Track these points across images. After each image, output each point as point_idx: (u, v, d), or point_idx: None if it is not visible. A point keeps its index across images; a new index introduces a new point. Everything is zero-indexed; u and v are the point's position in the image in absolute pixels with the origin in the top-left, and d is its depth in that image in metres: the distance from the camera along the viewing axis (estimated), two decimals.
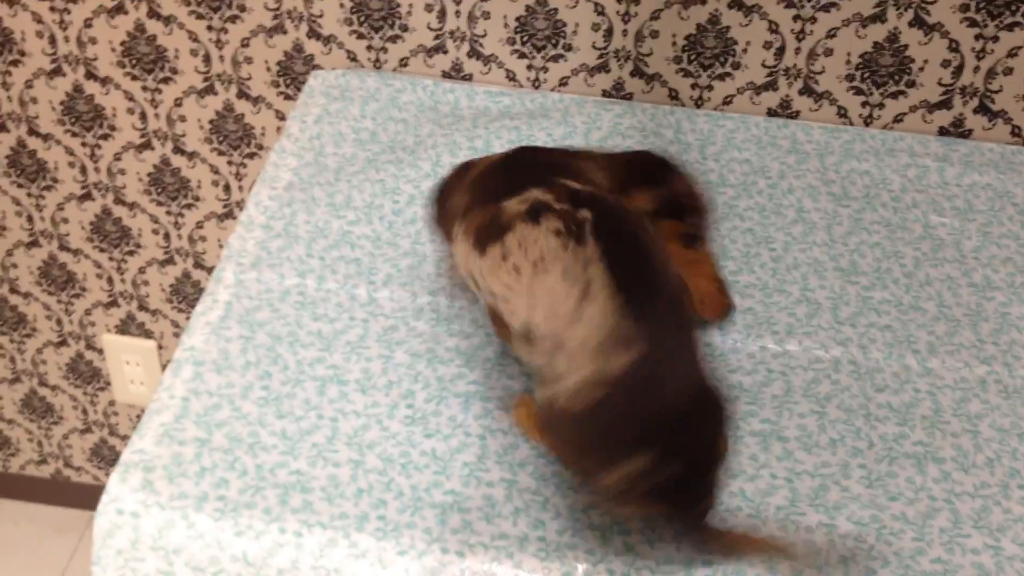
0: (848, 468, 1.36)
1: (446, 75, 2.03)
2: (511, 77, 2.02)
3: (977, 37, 1.86)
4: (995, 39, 1.86)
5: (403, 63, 2.03)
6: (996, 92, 1.90)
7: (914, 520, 1.30)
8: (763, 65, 1.94)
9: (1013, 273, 1.65)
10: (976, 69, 1.89)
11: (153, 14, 2.02)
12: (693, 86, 1.98)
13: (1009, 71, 1.88)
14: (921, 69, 1.90)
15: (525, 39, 1.97)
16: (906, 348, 1.52)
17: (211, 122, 2.15)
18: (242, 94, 2.10)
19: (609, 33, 1.94)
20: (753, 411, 1.43)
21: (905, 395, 1.45)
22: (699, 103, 2.01)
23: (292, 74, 2.06)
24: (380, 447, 1.36)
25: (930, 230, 1.73)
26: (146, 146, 2.20)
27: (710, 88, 1.98)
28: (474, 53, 2.00)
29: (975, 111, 1.92)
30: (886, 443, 1.39)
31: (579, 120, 1.91)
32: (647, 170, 1.53)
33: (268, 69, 2.06)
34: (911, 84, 1.92)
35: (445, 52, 2.01)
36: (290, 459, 1.33)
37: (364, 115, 1.90)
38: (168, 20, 2.02)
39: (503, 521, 1.29)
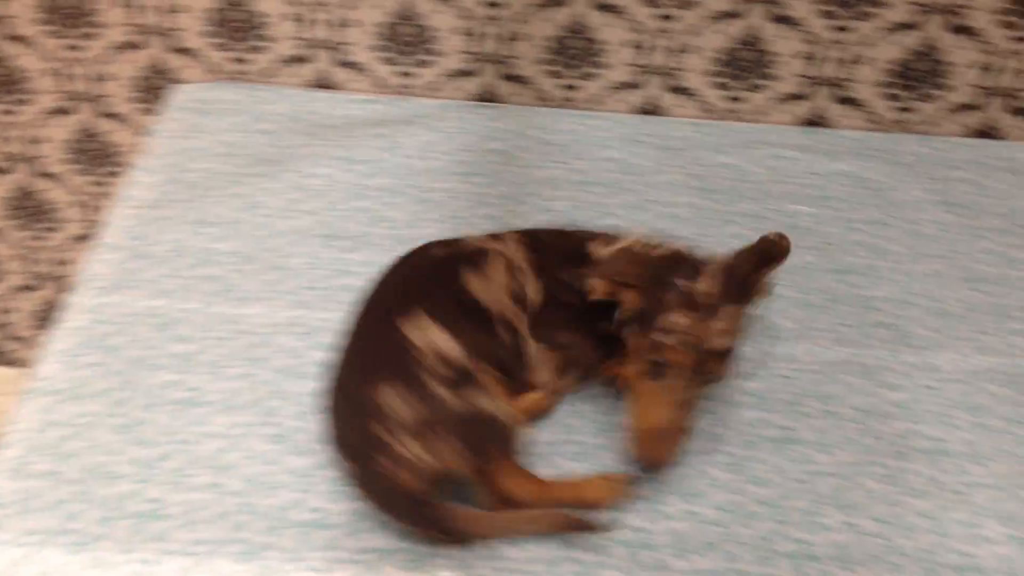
0: (713, 455, 1.38)
1: (312, 84, 2.02)
2: (379, 84, 2.01)
3: (834, 28, 1.90)
4: (847, 29, 1.90)
5: (267, 74, 2.00)
6: (851, 81, 1.94)
7: (775, 502, 1.33)
8: (628, 64, 1.96)
9: (869, 256, 1.69)
10: (831, 60, 1.93)
11: (6, 36, 1.97)
12: (561, 87, 1.99)
13: (861, 60, 1.93)
14: (781, 62, 1.94)
15: (391, 46, 1.96)
16: (767, 335, 1.55)
17: (70, 142, 2.10)
18: (102, 112, 2.05)
19: (476, 37, 1.94)
20: None
21: (766, 381, 1.48)
22: (567, 103, 2.02)
23: (154, 89, 2.02)
24: (241, 469, 1.34)
25: (791, 219, 1.76)
26: (3, 170, 2.14)
27: (577, 88, 1.99)
28: (340, 61, 1.99)
29: (832, 101, 1.96)
30: (749, 429, 1.42)
31: (449, 125, 1.91)
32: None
33: (128, 86, 2.02)
34: (771, 77, 1.95)
35: (310, 61, 1.99)
36: (145, 487, 1.30)
37: (228, 128, 1.88)
38: (22, 40, 1.97)
39: (369, 536, 1.27)
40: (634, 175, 1.84)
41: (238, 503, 1.30)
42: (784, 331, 1.55)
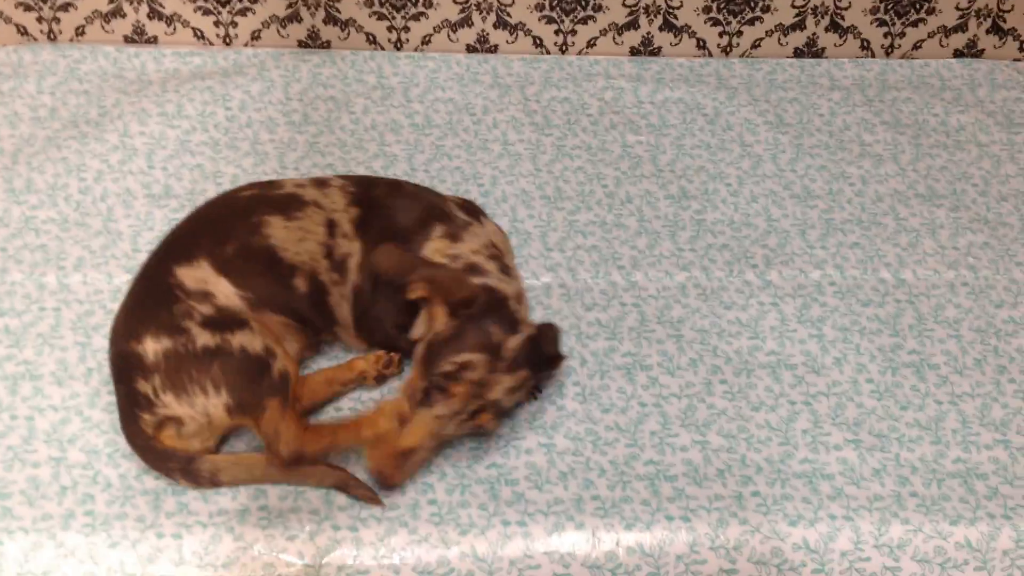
0: (563, 387, 1.39)
1: (129, 40, 1.93)
2: (199, 35, 1.94)
3: None
4: None
5: (79, 32, 1.91)
6: (678, 8, 1.96)
7: (626, 427, 1.35)
8: (455, 2, 1.93)
9: (706, 181, 1.72)
10: None
11: None
12: (390, 28, 1.96)
13: None
14: None
15: None
16: (611, 265, 1.56)
17: None
18: None
19: None
20: None
21: (613, 310, 1.50)
22: (398, 45, 1.98)
23: None
24: (83, 439, 1.29)
25: (628, 149, 1.78)
26: None
27: (407, 29, 1.96)
28: (155, 14, 1.90)
29: (661, 29, 1.98)
30: (598, 359, 1.43)
31: (276, 74, 1.86)
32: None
33: None
34: (598, 8, 1.96)
35: (123, 16, 1.90)
36: None
37: (41, 91, 1.78)
38: None
39: (221, 497, 1.25)
40: (471, 115, 1.83)
41: (83, 475, 1.25)
42: (627, 260, 1.57)
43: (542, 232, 1.61)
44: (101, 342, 1.39)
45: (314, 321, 1.35)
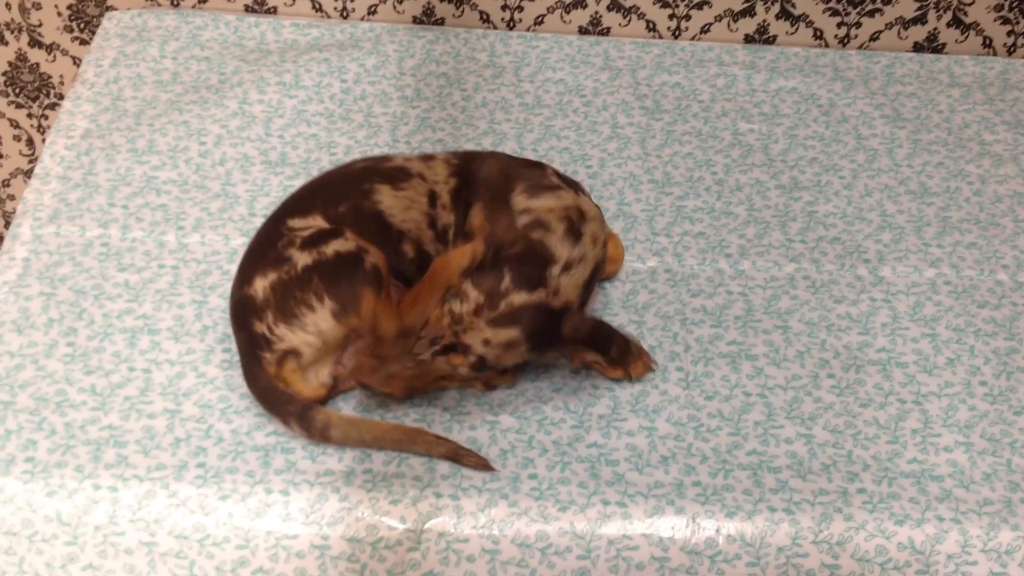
0: (667, 372, 1.39)
1: (249, 9, 1.96)
2: (317, 8, 1.97)
3: None
4: None
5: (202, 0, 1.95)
6: None
7: (730, 416, 1.34)
8: None
9: (819, 172, 1.70)
10: None
11: None
12: (504, 7, 1.96)
13: None
14: None
15: None
16: (719, 253, 1.55)
17: (4, 74, 2.03)
18: (34, 42, 1.99)
19: None
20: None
21: (719, 298, 1.49)
22: (511, 25, 1.99)
23: (86, 17, 1.96)
24: (197, 394, 1.32)
25: (739, 137, 1.76)
26: None
27: (521, 9, 1.97)
28: None
29: (777, 17, 1.96)
30: (702, 345, 1.43)
31: (391, 48, 1.88)
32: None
33: (59, 14, 1.95)
34: None
35: None
36: (101, 415, 1.28)
37: (164, 55, 1.82)
38: None
39: (328, 458, 1.27)
40: (580, 96, 1.83)
41: (196, 428, 1.28)
42: (735, 248, 1.56)
43: (649, 216, 1.61)
44: (217, 301, 1.42)
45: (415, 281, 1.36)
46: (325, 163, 1.64)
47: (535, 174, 1.38)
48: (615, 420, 1.33)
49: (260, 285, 1.28)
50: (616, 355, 1.31)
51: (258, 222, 1.52)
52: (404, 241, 1.36)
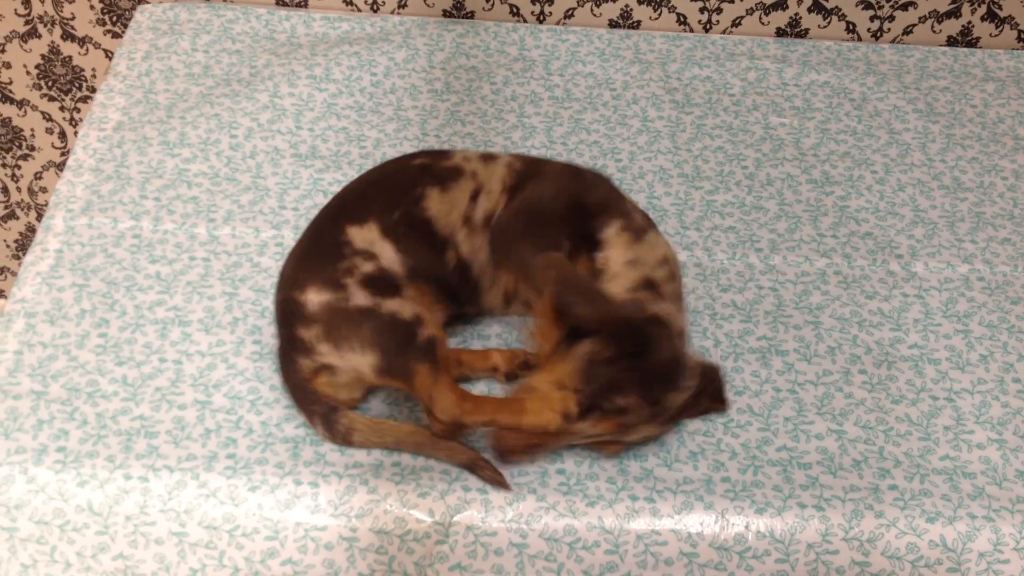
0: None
1: (280, 2, 1.97)
2: (348, 1, 1.97)
3: None
4: None
5: None
6: None
7: (760, 411, 1.34)
8: None
9: (851, 167, 1.68)
10: None
11: None
12: (533, 1, 1.96)
13: None
14: None
15: None
16: (749, 247, 1.54)
17: (37, 67, 2.04)
18: (67, 35, 2.00)
19: None
20: None
21: (749, 293, 1.48)
22: (541, 18, 1.98)
23: (118, 10, 1.97)
24: (227, 385, 1.33)
25: (770, 131, 1.75)
26: None
27: (551, 2, 1.96)
28: None
29: (810, 10, 1.94)
30: (732, 341, 1.42)
31: (421, 42, 1.88)
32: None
33: (92, 7, 1.96)
34: None
35: None
36: (132, 405, 1.29)
37: (195, 48, 1.83)
38: None
39: (357, 451, 1.27)
40: (611, 90, 1.82)
41: (226, 420, 1.29)
42: (767, 243, 1.55)
43: (679, 210, 1.60)
44: (247, 293, 1.43)
45: (460, 297, 1.37)
46: (355, 156, 1.65)
47: (620, 206, 1.38)
48: None
49: (314, 298, 1.27)
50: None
51: (288, 215, 1.53)
52: (448, 249, 1.35)
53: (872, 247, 1.55)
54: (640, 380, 1.22)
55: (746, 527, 1.22)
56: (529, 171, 1.41)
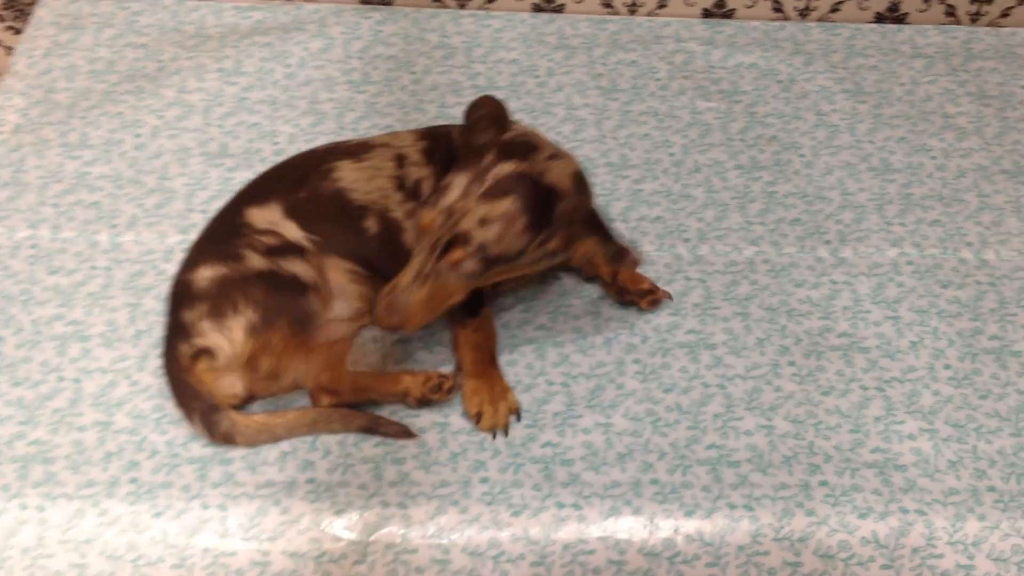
0: (623, 365, 1.34)
1: None
2: None
3: None
4: None
5: None
6: None
7: (688, 409, 1.30)
8: None
9: (778, 151, 1.64)
10: None
11: None
12: None
13: None
14: None
15: None
16: (677, 238, 1.50)
17: None
18: None
19: None
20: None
21: (677, 285, 1.44)
22: (463, 3, 1.92)
23: (19, 5, 1.88)
24: (130, 404, 1.26)
25: (697, 116, 1.70)
26: None
27: None
28: None
29: None
30: (660, 335, 1.38)
31: (337, 30, 1.81)
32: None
33: None
34: None
35: None
36: (28, 429, 1.22)
37: (99, 43, 1.75)
38: None
39: (270, 468, 1.21)
40: (535, 77, 1.77)
41: (129, 441, 1.23)
42: (693, 232, 1.51)
43: (606, 201, 1.55)
44: (152, 304, 1.36)
45: (384, 267, 1.30)
46: (267, 153, 1.58)
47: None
48: (570, 417, 1.28)
49: (205, 275, 1.23)
50: (613, 252, 1.22)
51: (196, 218, 1.46)
52: (367, 216, 1.30)
53: (801, 233, 1.51)
54: (472, 153, 1.19)
55: (675, 531, 1.19)
56: (430, 131, 1.38)
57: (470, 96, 1.71)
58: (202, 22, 1.82)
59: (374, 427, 1.23)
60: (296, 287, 1.22)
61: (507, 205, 1.15)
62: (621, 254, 1.23)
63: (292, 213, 1.29)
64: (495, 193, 1.15)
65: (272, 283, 1.22)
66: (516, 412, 1.27)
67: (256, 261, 1.23)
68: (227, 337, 1.21)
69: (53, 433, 1.22)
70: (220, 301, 1.21)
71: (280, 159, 1.54)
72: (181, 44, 1.76)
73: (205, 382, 1.21)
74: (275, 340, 1.21)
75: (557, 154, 1.23)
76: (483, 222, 1.15)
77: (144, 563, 1.14)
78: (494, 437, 1.26)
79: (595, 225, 1.23)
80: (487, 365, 1.30)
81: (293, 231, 1.28)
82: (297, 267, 1.24)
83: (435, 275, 1.17)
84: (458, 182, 1.17)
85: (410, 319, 1.17)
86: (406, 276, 1.17)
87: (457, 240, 1.15)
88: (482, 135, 1.22)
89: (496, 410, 1.26)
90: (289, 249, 1.26)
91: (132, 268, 1.41)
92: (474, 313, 1.30)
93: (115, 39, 1.76)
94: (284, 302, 1.21)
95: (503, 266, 1.19)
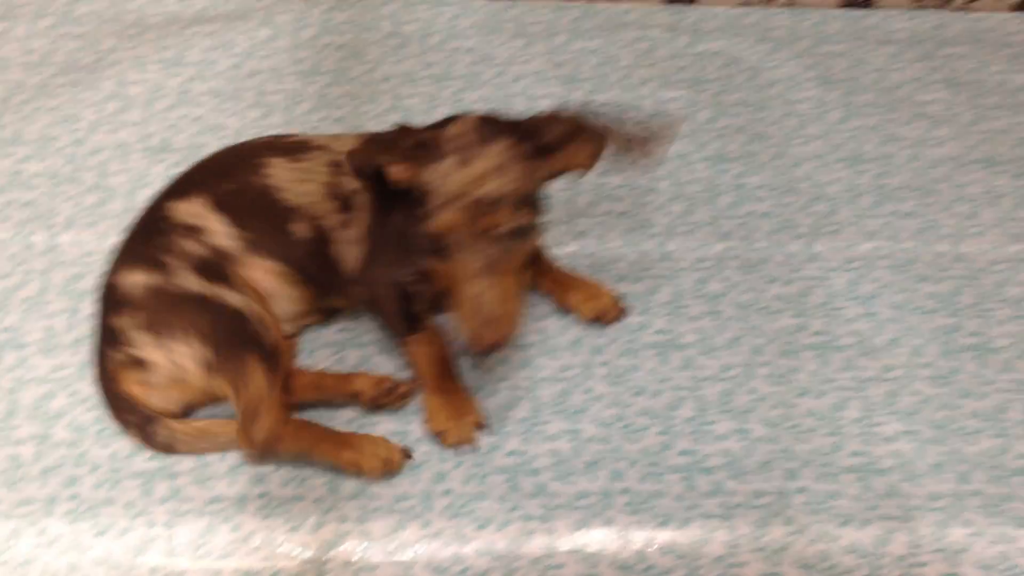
0: (591, 368, 1.28)
1: None
2: None
3: None
4: None
5: None
6: None
7: (659, 413, 1.24)
8: None
9: (746, 142, 1.59)
10: None
11: None
12: None
13: None
14: None
15: None
16: (643, 234, 1.44)
17: None
18: None
19: None
20: None
21: (645, 283, 1.38)
22: None
23: None
24: (69, 416, 1.19)
25: (662, 105, 1.65)
26: None
27: None
28: None
29: None
30: (628, 336, 1.32)
31: (284, 19, 1.73)
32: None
33: None
34: None
35: None
36: None
37: (33, 34, 1.66)
38: None
39: (219, 483, 1.14)
40: (493, 66, 1.70)
41: (68, 455, 1.15)
42: (660, 227, 1.45)
43: (568, 196, 1.49)
44: (91, 308, 1.28)
45: (313, 274, 1.24)
46: (212, 148, 1.48)
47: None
48: (536, 424, 1.22)
49: (135, 281, 1.15)
50: (624, 143, 1.14)
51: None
52: (295, 219, 1.23)
53: (772, 227, 1.46)
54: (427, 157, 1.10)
55: (648, 543, 1.13)
56: (374, 135, 1.27)
57: (425, 86, 1.64)
58: (142, 11, 1.73)
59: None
60: (248, 323, 1.14)
61: (496, 148, 1.08)
62: (632, 144, 1.14)
63: (220, 206, 1.21)
64: (479, 146, 1.08)
65: (221, 319, 1.13)
66: (481, 425, 1.21)
67: (190, 281, 1.15)
68: (170, 360, 1.13)
69: None
70: (159, 316, 1.13)
71: None
72: (120, 34, 1.68)
73: (134, 394, 1.14)
74: (255, 386, 1.12)
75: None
76: (489, 176, 1.07)
77: None
78: (462, 453, 1.20)
79: (589, 127, 1.14)
80: (446, 379, 1.22)
81: (220, 227, 1.19)
82: (236, 298, 1.15)
83: (497, 259, 1.08)
84: (443, 171, 1.08)
85: (510, 319, 1.07)
86: (475, 283, 1.07)
87: (486, 209, 1.07)
88: (425, 131, 1.14)
89: (461, 425, 1.19)
90: (221, 272, 1.17)
91: (70, 271, 1.33)
92: (415, 328, 1.23)
93: (51, 29, 1.67)
94: (242, 346, 1.13)
95: (535, 205, 1.12)
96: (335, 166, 1.25)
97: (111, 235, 1.37)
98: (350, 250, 1.23)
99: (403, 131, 1.15)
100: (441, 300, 1.20)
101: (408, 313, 1.22)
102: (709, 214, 1.47)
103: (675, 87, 1.68)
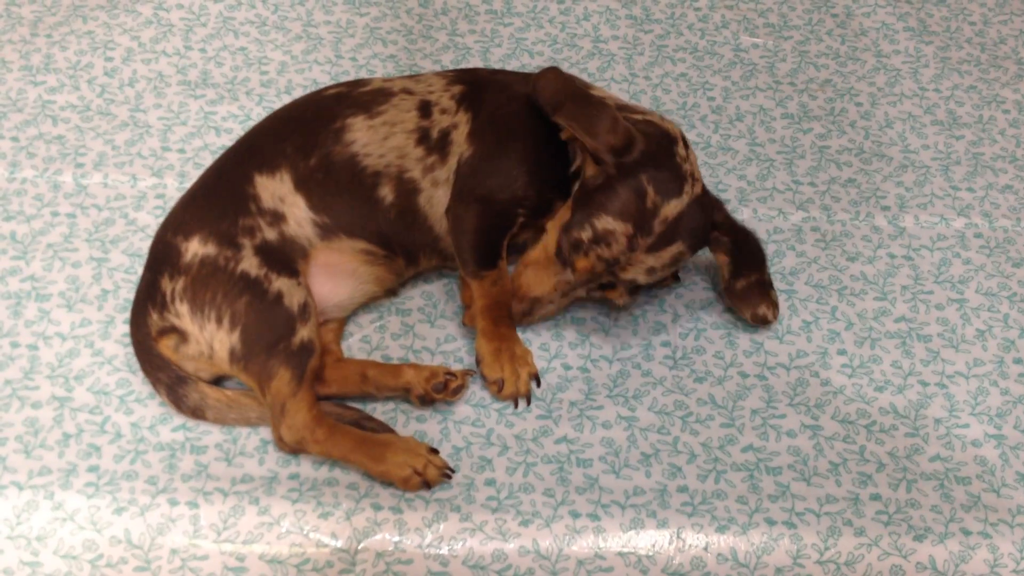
0: (650, 348, 1.18)
1: None
2: None
3: None
4: None
5: None
6: None
7: (723, 403, 1.14)
8: None
9: (832, 99, 1.46)
10: None
11: None
12: None
13: None
14: None
15: None
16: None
17: None
18: None
19: None
20: None
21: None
22: None
23: None
24: (92, 377, 1.11)
25: (741, 54, 1.52)
26: None
27: None
28: None
29: None
30: (692, 314, 1.22)
31: None
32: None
33: None
34: None
35: None
36: None
37: None
38: None
39: (247, 460, 1.07)
40: (559, 3, 1.58)
41: (89, 421, 1.08)
42: (733, 192, 1.34)
43: None
44: (120, 259, 1.20)
45: (400, 239, 1.16)
46: (254, 84, 1.40)
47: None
48: (589, 408, 1.13)
49: (196, 248, 1.09)
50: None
51: (172, 158, 1.30)
52: (381, 185, 1.15)
53: (855, 197, 1.34)
54: (624, 188, 1.08)
55: (705, 548, 1.04)
56: (465, 74, 1.24)
57: (485, 23, 1.53)
58: None
59: (360, 424, 1.08)
60: (286, 320, 1.07)
61: (676, 249, 1.10)
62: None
63: (301, 186, 1.13)
64: (664, 242, 1.09)
65: (259, 306, 1.07)
66: (536, 377, 1.14)
67: (248, 263, 1.08)
68: (204, 337, 1.07)
69: (4, 409, 1.08)
70: (201, 291, 1.07)
71: (268, 91, 1.39)
72: None
73: (169, 357, 1.08)
74: (277, 387, 1.06)
75: (684, 136, 1.15)
76: (651, 271, 1.10)
77: (104, 564, 1.01)
78: (516, 406, 1.12)
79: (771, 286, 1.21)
80: (504, 325, 1.14)
81: (300, 213, 1.12)
82: (285, 287, 1.08)
83: (576, 294, 1.15)
84: (617, 228, 1.07)
85: (531, 319, 1.17)
86: (541, 288, 1.14)
87: (618, 284, 1.12)
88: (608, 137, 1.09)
89: (518, 376, 1.12)
90: (283, 261, 1.10)
91: (99, 216, 1.24)
92: (492, 263, 1.14)
93: None
94: (273, 339, 1.06)
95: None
96: (423, 107, 1.18)
97: (143, 177, 1.28)
98: (438, 193, 1.16)
99: (600, 105, 1.11)
100: (523, 241, 1.18)
101: (491, 242, 1.14)
102: (787, 179, 1.36)
103: (757, 33, 1.54)
